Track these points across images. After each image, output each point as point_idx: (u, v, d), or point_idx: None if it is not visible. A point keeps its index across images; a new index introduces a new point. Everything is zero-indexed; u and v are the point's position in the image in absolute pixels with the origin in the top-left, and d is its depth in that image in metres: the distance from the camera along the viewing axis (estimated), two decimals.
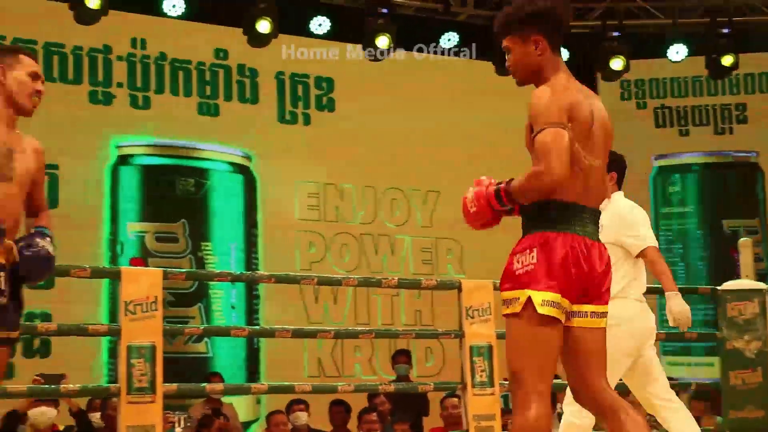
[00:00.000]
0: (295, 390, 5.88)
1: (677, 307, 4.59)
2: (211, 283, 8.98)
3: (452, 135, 10.14)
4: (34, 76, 3.38)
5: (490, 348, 5.89)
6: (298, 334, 6.02)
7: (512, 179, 3.00)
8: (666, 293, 4.61)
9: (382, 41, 9.33)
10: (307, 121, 9.85)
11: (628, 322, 4.50)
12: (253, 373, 9.08)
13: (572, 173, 2.91)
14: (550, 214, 2.95)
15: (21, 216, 3.31)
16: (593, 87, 10.75)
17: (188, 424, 5.77)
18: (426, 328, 9.17)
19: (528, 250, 2.93)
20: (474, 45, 9.89)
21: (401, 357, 8.36)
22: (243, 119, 9.52)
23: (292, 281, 6.30)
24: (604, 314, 3.03)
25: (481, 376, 5.82)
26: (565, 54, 10.04)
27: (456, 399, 7.16)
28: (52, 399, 5.73)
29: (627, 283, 4.52)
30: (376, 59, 9.54)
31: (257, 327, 5.85)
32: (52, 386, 5.28)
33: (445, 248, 10.23)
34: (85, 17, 8.47)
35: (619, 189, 4.66)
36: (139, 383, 5.08)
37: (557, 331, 2.92)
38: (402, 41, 9.54)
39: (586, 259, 2.96)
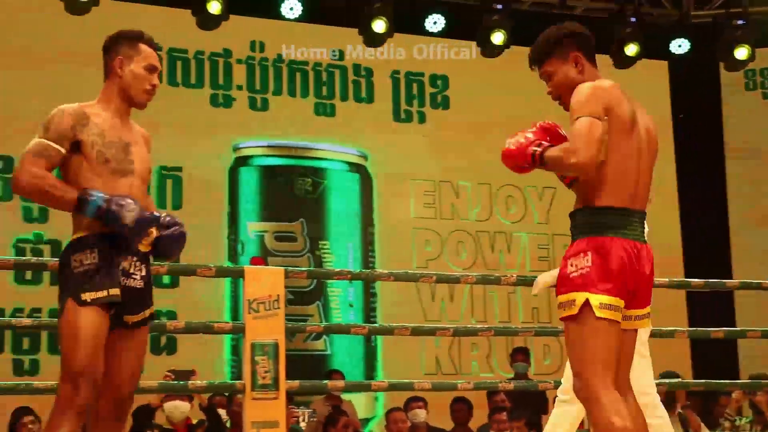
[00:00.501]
0: (415, 387, 5.89)
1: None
2: (329, 281, 9.09)
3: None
4: (151, 69, 3.36)
5: None
6: (416, 332, 6.03)
7: (553, 145, 3.08)
8: None
9: (498, 37, 9.27)
10: (422, 119, 9.87)
11: None
12: (370, 371, 9.14)
13: (623, 177, 3.02)
14: (603, 218, 3.02)
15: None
16: (716, 78, 10.50)
17: (312, 419, 5.86)
18: (544, 325, 9.08)
19: (582, 254, 3.00)
20: None
21: (519, 355, 8.30)
22: (359, 118, 9.60)
23: (411, 279, 6.32)
24: (646, 316, 3.12)
25: None
26: (686, 45, 10.01)
27: None
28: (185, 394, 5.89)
29: None
30: (491, 56, 9.49)
31: (376, 325, 5.90)
32: (181, 382, 5.42)
33: (561, 244, 10.10)
34: (208, 22, 8.67)
35: None
36: (263, 380, 5.18)
37: (615, 330, 2.98)
38: (518, 37, 9.48)
39: (638, 262, 3.02)
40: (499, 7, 9.27)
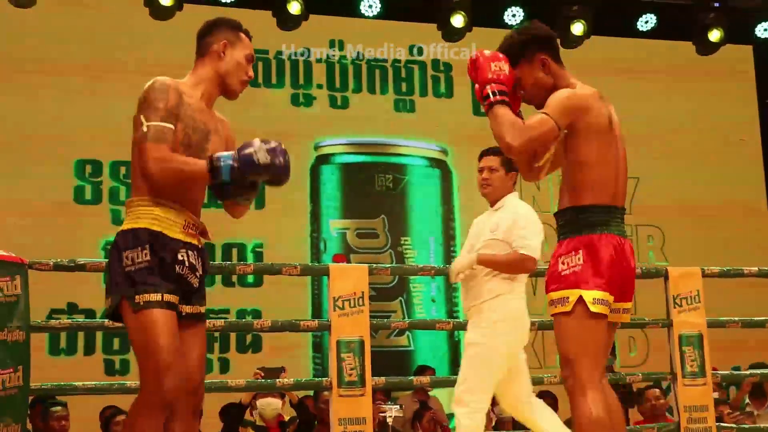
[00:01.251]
0: None
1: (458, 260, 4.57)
2: (412, 277, 9.11)
3: (653, 121, 9.89)
4: (249, 59, 3.26)
5: (700, 337, 5.74)
6: None
7: (506, 103, 3.12)
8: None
9: (578, 28, 9.19)
10: None
11: (518, 321, 4.57)
12: (455, 366, 9.13)
13: (607, 175, 3.14)
14: (590, 216, 3.12)
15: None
16: None
17: (400, 414, 5.86)
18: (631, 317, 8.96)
19: (573, 252, 3.10)
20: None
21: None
22: (439, 114, 9.59)
23: None
24: (628, 310, 3.23)
25: (691, 366, 5.68)
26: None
27: (658, 390, 6.97)
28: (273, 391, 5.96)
29: (513, 278, 4.55)
30: (571, 46, 9.40)
31: (461, 320, 5.88)
32: (269, 380, 5.49)
33: (645, 235, 9.97)
34: (288, 23, 8.76)
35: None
36: (349, 377, 5.22)
37: (604, 325, 3.10)
38: (597, 27, 9.39)
39: (624, 257, 3.15)
40: None
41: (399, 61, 9.53)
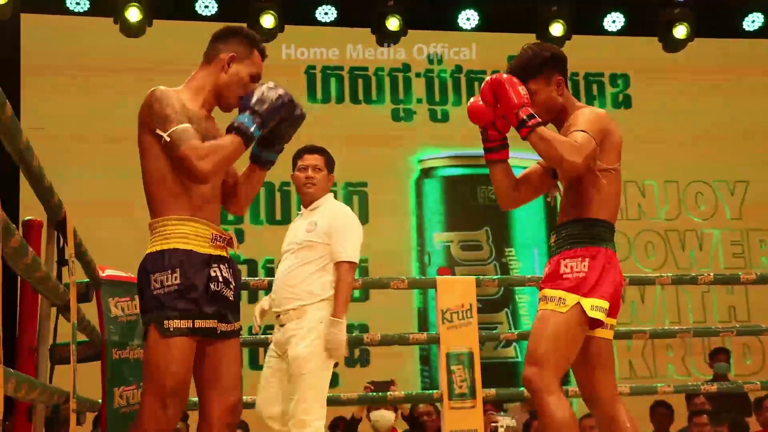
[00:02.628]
0: None
1: (333, 335, 4.15)
2: (517, 288, 9.07)
3: (761, 123, 9.67)
4: (254, 79, 3.09)
5: None
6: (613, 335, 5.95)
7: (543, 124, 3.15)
8: (330, 318, 4.18)
9: (680, 31, 9.05)
10: None
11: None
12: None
13: (613, 197, 3.22)
14: (598, 230, 3.19)
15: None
16: None
17: (513, 425, 5.84)
18: (744, 324, 8.76)
19: (580, 258, 3.15)
20: None
21: (720, 355, 8.03)
22: None
23: None
24: (613, 326, 3.27)
25: None
26: None
27: None
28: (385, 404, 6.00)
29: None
30: (673, 50, 9.28)
31: None
32: (380, 393, 5.54)
33: (756, 240, 9.74)
34: (387, 38, 8.86)
35: None
36: (459, 389, 5.23)
37: (585, 332, 3.14)
38: (701, 29, 9.23)
39: (621, 275, 3.22)
40: None
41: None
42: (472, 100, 3.32)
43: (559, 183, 3.47)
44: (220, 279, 2.91)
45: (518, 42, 10.37)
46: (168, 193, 2.90)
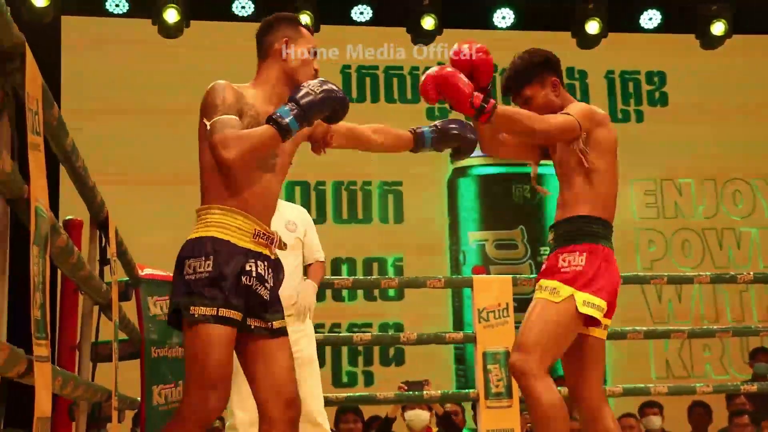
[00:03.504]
0: (651, 392, 5.80)
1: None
2: None
3: None
4: (314, 53, 3.07)
5: None
6: (650, 335, 5.93)
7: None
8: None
9: (718, 27, 8.99)
10: (640, 118, 9.67)
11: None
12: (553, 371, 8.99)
13: (609, 196, 3.27)
14: (596, 228, 3.22)
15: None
16: None
17: None
18: None
19: (578, 253, 3.18)
20: None
21: (761, 355, 7.95)
22: None
23: (641, 281, 6.21)
24: (608, 326, 3.28)
25: None
26: None
27: None
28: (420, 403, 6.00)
29: None
30: (710, 47, 9.21)
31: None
32: (416, 392, 5.55)
33: None
34: (422, 37, 8.88)
35: None
36: (495, 388, 5.24)
37: (577, 326, 3.15)
38: (738, 26, 9.16)
39: (618, 274, 3.24)
40: None
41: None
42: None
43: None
44: (254, 274, 2.87)
45: (553, 40, 10.39)
46: (217, 183, 2.89)
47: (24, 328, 2.17)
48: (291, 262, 4.27)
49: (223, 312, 2.78)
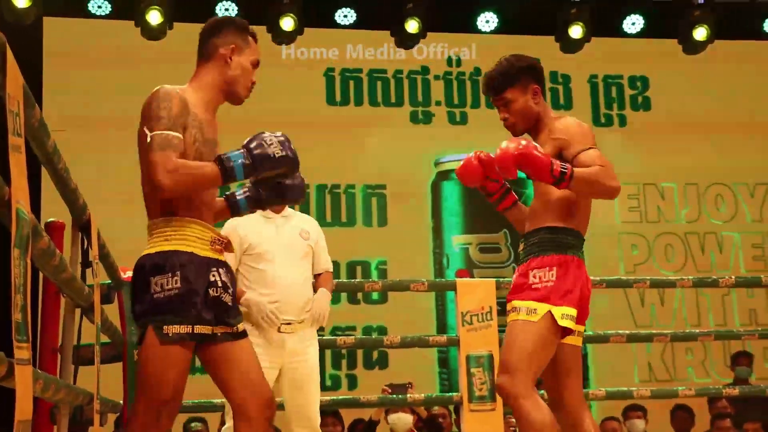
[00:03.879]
0: (634, 395, 5.81)
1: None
2: None
3: None
4: (255, 65, 3.04)
5: None
6: (632, 338, 5.95)
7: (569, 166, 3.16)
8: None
9: (700, 33, 9.03)
10: (623, 122, 9.71)
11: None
12: (583, 380, 9.02)
13: (586, 206, 3.31)
14: (566, 239, 3.25)
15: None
16: None
17: None
18: (766, 327, 8.71)
19: (548, 268, 3.20)
20: None
21: (743, 359, 7.99)
22: None
23: (624, 285, 6.24)
24: (582, 333, 3.37)
25: None
26: None
27: None
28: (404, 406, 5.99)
29: None
30: (693, 52, 9.25)
31: (591, 333, 5.83)
32: (400, 396, 5.54)
33: None
34: (406, 41, 8.88)
35: None
36: (479, 392, 5.24)
37: (557, 341, 3.20)
38: (721, 31, 9.20)
39: (588, 282, 3.29)
40: (701, 1, 9.02)
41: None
42: (462, 162, 3.42)
43: None
44: (219, 284, 2.85)
45: (536, 44, 10.38)
46: None
47: (4, 330, 2.15)
48: (304, 270, 4.34)
49: (198, 329, 2.78)
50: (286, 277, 4.25)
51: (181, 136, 2.78)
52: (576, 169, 3.13)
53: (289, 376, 4.24)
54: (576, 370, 3.34)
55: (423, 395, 5.58)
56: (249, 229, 4.30)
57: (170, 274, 2.75)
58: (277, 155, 2.82)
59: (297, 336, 4.25)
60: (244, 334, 2.93)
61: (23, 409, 2.02)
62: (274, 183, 3.08)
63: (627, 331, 5.96)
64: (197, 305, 2.77)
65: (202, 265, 2.82)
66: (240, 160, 2.77)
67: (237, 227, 4.28)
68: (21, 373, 2.01)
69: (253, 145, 2.81)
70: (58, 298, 3.72)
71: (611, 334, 5.75)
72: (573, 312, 3.18)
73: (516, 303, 3.23)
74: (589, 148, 3.19)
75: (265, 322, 4.17)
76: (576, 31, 8.87)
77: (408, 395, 5.51)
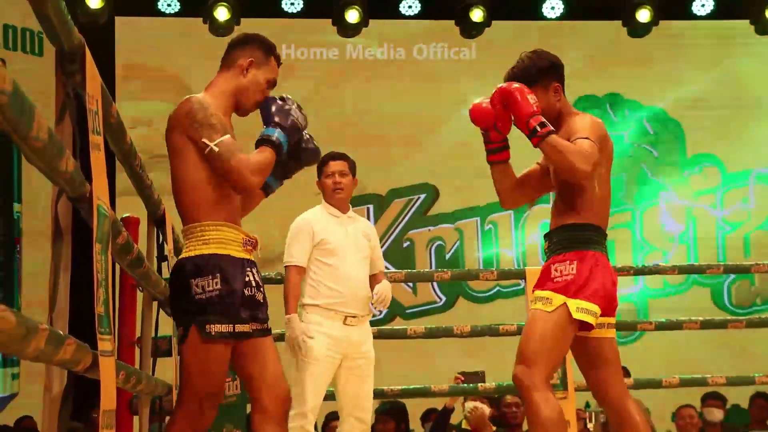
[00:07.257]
0: (708, 382, 5.74)
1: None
2: None
3: None
4: (271, 84, 3.15)
5: None
6: (707, 325, 5.87)
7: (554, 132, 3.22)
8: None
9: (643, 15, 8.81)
10: None
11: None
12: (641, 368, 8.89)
13: (603, 201, 3.35)
14: (587, 234, 3.30)
15: None
16: None
17: (601, 420, 5.80)
18: None
19: (568, 262, 3.25)
20: None
21: None
22: None
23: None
24: (613, 325, 3.38)
25: None
26: None
27: None
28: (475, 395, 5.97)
29: None
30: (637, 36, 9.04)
31: (664, 320, 5.76)
32: (471, 385, 5.55)
33: None
34: (471, 31, 8.84)
35: None
36: (552, 380, 5.21)
37: (572, 333, 3.25)
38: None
39: (612, 275, 3.32)
40: None
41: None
42: (475, 101, 3.39)
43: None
44: (253, 283, 3.00)
45: (603, 29, 10.08)
46: (205, 200, 2.97)
47: (82, 324, 2.22)
48: (366, 268, 4.52)
49: (240, 328, 2.94)
50: (353, 274, 4.43)
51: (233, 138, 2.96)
52: (553, 135, 3.19)
53: (352, 366, 4.40)
54: (613, 363, 3.37)
55: (495, 383, 5.57)
56: (322, 225, 4.45)
57: (210, 276, 2.91)
58: (300, 121, 3.07)
59: (360, 329, 4.43)
60: (270, 330, 3.09)
61: (108, 400, 2.08)
62: (294, 149, 3.20)
63: (700, 318, 5.89)
64: (236, 305, 2.93)
65: (238, 266, 2.97)
66: (277, 134, 2.99)
67: (311, 222, 4.45)
68: (105, 364, 2.07)
69: (278, 118, 3.02)
70: (134, 291, 3.81)
71: (684, 321, 5.69)
72: (591, 307, 3.21)
73: (537, 293, 3.31)
74: (586, 137, 3.22)
75: (289, 345, 4.32)
76: (644, 15, 8.70)
77: (480, 384, 5.51)
